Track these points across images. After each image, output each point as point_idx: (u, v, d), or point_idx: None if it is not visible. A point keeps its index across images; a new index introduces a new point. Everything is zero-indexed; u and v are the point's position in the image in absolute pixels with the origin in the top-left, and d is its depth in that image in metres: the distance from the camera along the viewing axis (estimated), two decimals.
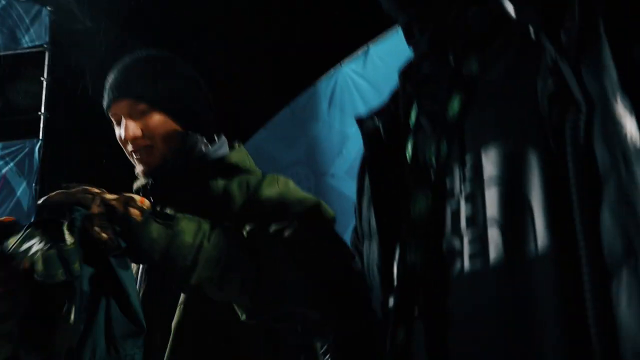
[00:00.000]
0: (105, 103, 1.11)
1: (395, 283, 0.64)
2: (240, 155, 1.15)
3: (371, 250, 0.75)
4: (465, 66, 0.67)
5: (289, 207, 1.03)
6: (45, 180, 5.81)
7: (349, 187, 5.13)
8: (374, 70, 5.01)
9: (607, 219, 0.48)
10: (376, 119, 0.79)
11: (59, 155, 6.11)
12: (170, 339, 1.00)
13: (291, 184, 1.11)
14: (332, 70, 5.31)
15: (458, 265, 0.59)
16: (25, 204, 5.75)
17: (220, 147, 1.16)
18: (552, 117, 0.53)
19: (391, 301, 0.65)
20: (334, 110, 5.28)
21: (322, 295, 0.92)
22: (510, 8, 0.59)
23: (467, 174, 0.60)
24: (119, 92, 1.07)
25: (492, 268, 0.55)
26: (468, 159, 0.61)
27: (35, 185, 5.78)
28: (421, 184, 0.66)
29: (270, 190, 1.06)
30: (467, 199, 0.59)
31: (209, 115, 1.17)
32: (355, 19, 5.40)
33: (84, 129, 6.08)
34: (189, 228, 0.90)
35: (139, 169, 1.13)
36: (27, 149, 5.93)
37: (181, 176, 1.10)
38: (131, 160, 1.13)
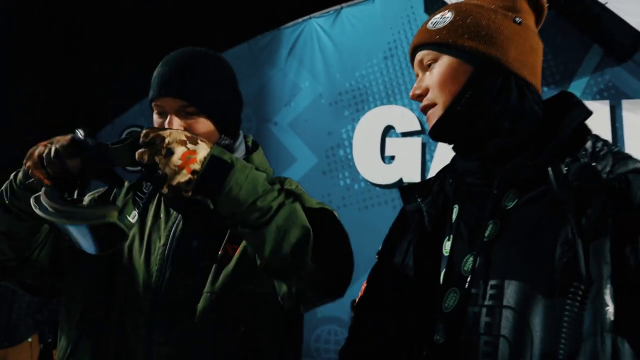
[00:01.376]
0: (153, 93, 1.16)
1: (425, 352, 0.88)
2: (260, 157, 1.28)
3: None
4: (504, 198, 0.88)
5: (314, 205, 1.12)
6: None
7: (288, 139, 5.15)
8: (341, 32, 4.99)
9: None
10: (419, 200, 1.00)
11: None
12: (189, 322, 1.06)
13: (301, 188, 1.23)
14: (300, 21, 5.21)
15: (472, 355, 0.83)
16: None
17: (240, 146, 1.25)
18: (562, 281, 0.76)
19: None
20: (292, 60, 5.22)
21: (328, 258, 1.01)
22: (553, 182, 0.80)
23: (490, 292, 0.84)
24: (173, 91, 1.13)
25: None
26: (493, 281, 0.84)
27: None
28: (454, 285, 0.88)
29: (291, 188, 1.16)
30: (488, 312, 0.83)
31: (240, 120, 1.27)
32: None
33: None
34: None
35: None
36: None
37: None
38: None
